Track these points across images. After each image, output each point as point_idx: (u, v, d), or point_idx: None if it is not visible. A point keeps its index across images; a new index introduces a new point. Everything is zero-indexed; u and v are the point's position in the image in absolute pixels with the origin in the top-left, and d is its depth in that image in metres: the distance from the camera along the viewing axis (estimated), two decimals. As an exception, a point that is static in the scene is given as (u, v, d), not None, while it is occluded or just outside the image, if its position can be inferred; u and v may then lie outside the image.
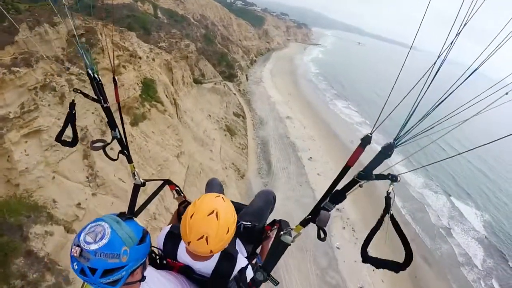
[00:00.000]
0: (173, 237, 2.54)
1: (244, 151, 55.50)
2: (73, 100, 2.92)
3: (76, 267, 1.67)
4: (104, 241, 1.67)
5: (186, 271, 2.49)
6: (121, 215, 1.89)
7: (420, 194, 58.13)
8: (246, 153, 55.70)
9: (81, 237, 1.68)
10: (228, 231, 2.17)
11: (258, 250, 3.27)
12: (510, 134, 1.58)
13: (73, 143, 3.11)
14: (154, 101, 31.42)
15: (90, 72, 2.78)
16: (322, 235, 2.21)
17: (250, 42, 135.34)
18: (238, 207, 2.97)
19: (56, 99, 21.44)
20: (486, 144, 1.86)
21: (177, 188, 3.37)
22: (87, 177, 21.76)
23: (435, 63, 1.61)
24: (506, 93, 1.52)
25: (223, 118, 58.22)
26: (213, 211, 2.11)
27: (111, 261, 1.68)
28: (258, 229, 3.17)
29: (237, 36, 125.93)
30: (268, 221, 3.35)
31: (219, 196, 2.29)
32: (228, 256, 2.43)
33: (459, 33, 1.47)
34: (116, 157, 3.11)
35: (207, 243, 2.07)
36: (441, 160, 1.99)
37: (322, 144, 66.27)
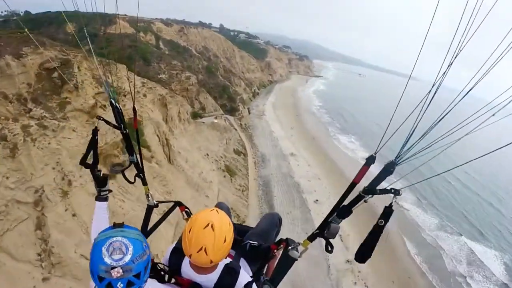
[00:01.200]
0: (177, 253, 2.56)
1: (244, 193, 50.24)
2: (96, 127, 2.97)
3: (121, 285, 1.72)
4: (131, 248, 1.76)
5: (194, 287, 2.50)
6: (115, 225, 1.91)
7: (434, 238, 53.12)
8: (247, 195, 50.46)
9: (109, 261, 1.71)
10: (225, 240, 2.19)
11: (264, 270, 3.26)
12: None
13: (94, 164, 3.06)
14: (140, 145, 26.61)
15: (113, 101, 2.88)
16: (329, 248, 2.32)
17: (253, 75, 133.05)
18: (244, 229, 3.42)
19: (6, 151, 16.60)
20: (481, 156, 1.90)
21: (187, 209, 3.27)
22: (39, 254, 16.51)
23: (430, 91, 1.81)
24: (493, 115, 1.67)
25: (222, 156, 53.40)
26: (208, 224, 2.15)
27: (144, 258, 1.83)
28: (264, 248, 3.15)
29: (239, 68, 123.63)
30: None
31: (213, 209, 2.33)
32: (230, 271, 2.43)
33: (451, 63, 1.65)
34: (133, 181, 3.19)
35: (206, 254, 2.12)
36: (440, 173, 2.14)
37: (327, 184, 61.12)
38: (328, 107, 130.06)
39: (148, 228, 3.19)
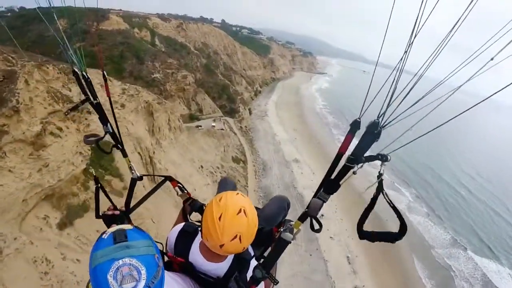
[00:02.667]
0: (186, 236, 2.39)
1: (242, 209, 44.92)
2: (96, 176, 2.96)
3: None
4: (144, 270, 1.46)
5: (187, 268, 2.34)
6: (117, 237, 1.50)
7: (445, 258, 48.40)
8: (245, 210, 45.14)
9: None
10: (255, 225, 2.11)
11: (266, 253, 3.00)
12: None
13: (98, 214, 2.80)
14: (109, 174, 21.07)
15: (77, 70, 2.57)
16: (317, 226, 2.21)
17: (255, 72, 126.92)
18: None
19: None
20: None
21: (179, 185, 2.97)
22: None
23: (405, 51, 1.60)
24: (492, 59, 1.46)
25: (219, 167, 47.83)
26: (241, 209, 2.02)
27: (159, 274, 1.53)
28: (266, 231, 2.99)
29: (241, 66, 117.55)
30: None
31: (238, 193, 2.22)
32: (242, 261, 2.32)
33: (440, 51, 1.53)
34: (109, 151, 3.05)
35: (241, 242, 1.99)
36: (427, 132, 1.73)
37: (333, 196, 55.39)
38: (332, 106, 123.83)
39: (132, 206, 2.84)
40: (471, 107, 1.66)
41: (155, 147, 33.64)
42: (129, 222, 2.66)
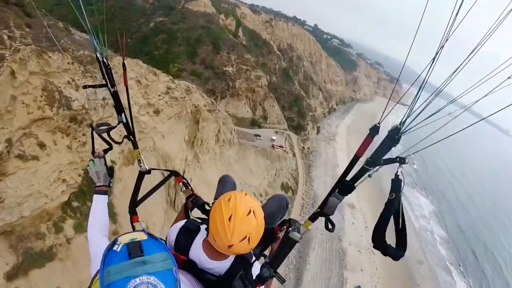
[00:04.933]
0: (188, 233, 2.36)
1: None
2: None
3: None
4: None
5: (189, 266, 2.30)
6: (131, 253, 1.35)
7: None
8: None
9: None
10: (263, 227, 2.09)
11: (267, 252, 2.94)
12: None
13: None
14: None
15: (99, 56, 2.52)
16: (330, 226, 2.17)
17: (335, 87, 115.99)
18: None
19: None
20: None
21: (184, 180, 2.90)
22: None
23: (434, 58, 1.61)
24: (509, 77, 1.47)
25: (263, 194, 39.44)
26: (250, 210, 1.99)
27: None
28: (267, 230, 2.63)
29: (322, 77, 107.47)
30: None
31: (246, 193, 2.15)
32: (243, 261, 2.27)
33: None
34: (121, 141, 2.83)
35: (249, 243, 1.97)
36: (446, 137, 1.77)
37: (380, 264, 45.23)
38: (407, 145, 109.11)
39: (139, 198, 2.77)
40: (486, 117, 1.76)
41: (189, 163, 26.44)
42: (135, 214, 2.66)
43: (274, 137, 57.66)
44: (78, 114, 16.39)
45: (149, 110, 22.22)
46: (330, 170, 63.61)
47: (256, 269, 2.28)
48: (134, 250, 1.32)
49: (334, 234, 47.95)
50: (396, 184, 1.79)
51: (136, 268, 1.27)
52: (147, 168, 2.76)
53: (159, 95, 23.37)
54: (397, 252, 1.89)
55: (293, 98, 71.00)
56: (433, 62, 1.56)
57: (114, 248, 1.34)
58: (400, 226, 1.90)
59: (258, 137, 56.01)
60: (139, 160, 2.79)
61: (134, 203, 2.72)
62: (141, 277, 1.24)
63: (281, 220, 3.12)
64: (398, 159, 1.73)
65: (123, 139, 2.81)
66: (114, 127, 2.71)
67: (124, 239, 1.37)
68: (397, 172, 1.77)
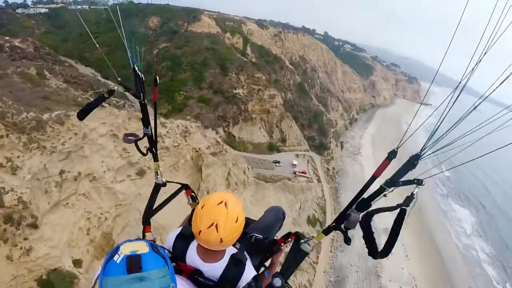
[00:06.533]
0: (184, 238, 2.39)
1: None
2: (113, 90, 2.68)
3: None
4: None
5: (194, 276, 2.33)
6: (131, 266, 1.33)
7: None
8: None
9: None
10: (237, 220, 2.10)
11: (267, 264, 2.99)
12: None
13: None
14: None
15: (136, 68, 2.62)
16: (348, 241, 2.22)
17: (354, 95, 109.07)
18: (247, 221, 2.89)
19: None
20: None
21: (193, 194, 2.99)
22: None
23: (457, 86, 1.81)
24: None
25: (290, 238, 33.57)
26: (222, 201, 2.07)
27: None
28: (270, 242, 2.90)
29: (339, 87, 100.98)
30: (279, 235, 3.11)
31: (229, 191, 2.28)
32: (237, 261, 2.29)
33: (479, 61, 1.64)
34: (145, 153, 2.88)
35: (217, 231, 2.00)
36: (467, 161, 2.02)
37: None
38: (441, 153, 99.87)
39: (154, 207, 2.83)
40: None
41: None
42: (149, 224, 2.68)
43: (295, 162, 51.60)
44: (14, 211, 11.09)
45: (130, 172, 16.96)
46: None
47: (249, 272, 2.25)
48: (133, 265, 1.29)
49: (371, 269, 41.58)
50: (409, 200, 1.83)
51: (133, 284, 1.25)
52: (164, 180, 2.82)
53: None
54: (379, 254, 1.97)
55: (312, 114, 64.96)
56: (469, 71, 1.58)
57: (115, 258, 1.31)
58: (394, 236, 1.92)
59: (277, 164, 50.08)
60: (156, 172, 2.81)
61: (148, 214, 2.73)
62: None
63: (278, 232, 3.20)
64: (415, 181, 1.80)
65: (147, 151, 2.81)
66: (141, 138, 2.75)
67: (125, 250, 1.34)
68: (413, 191, 1.81)
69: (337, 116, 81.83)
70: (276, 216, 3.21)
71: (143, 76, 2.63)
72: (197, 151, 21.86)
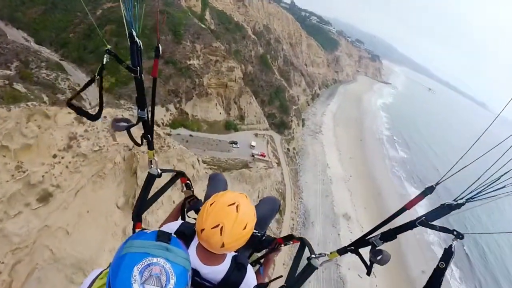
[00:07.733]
0: (183, 237, 2.20)
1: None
2: (103, 65, 2.16)
3: None
4: (173, 280, 1.28)
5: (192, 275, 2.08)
6: (160, 236, 1.38)
7: None
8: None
9: None
10: (245, 228, 1.98)
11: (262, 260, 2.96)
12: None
13: (97, 116, 2.28)
14: None
15: (133, 33, 2.12)
16: (370, 273, 2.19)
17: (317, 69, 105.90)
18: None
19: None
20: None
21: (188, 182, 2.87)
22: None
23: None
24: None
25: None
26: (234, 203, 1.96)
27: None
28: (269, 240, 2.81)
29: (303, 60, 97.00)
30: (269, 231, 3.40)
31: (244, 194, 2.15)
32: (239, 266, 2.23)
33: None
34: (140, 142, 2.59)
35: (221, 234, 1.90)
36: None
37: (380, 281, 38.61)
38: (398, 134, 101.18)
39: (148, 197, 2.70)
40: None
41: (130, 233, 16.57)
42: (140, 220, 2.54)
43: (253, 143, 47.90)
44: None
45: (30, 199, 12.00)
46: (320, 173, 55.00)
47: (250, 276, 2.19)
48: (163, 236, 1.33)
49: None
50: (449, 255, 1.71)
51: (158, 250, 1.26)
52: (158, 171, 2.59)
53: (54, 157, 13.05)
54: None
55: (274, 90, 60.86)
56: None
57: (145, 230, 1.38)
58: None
59: (234, 145, 46.08)
60: (151, 161, 2.60)
61: (140, 209, 2.57)
62: (158, 259, 1.23)
63: (270, 222, 3.17)
64: (455, 232, 1.70)
65: (141, 139, 2.53)
66: (134, 124, 2.42)
67: (154, 229, 1.40)
68: (452, 244, 1.71)
69: (300, 91, 78.49)
70: (272, 208, 3.11)
71: (141, 44, 2.13)
72: (130, 150, 17.13)
